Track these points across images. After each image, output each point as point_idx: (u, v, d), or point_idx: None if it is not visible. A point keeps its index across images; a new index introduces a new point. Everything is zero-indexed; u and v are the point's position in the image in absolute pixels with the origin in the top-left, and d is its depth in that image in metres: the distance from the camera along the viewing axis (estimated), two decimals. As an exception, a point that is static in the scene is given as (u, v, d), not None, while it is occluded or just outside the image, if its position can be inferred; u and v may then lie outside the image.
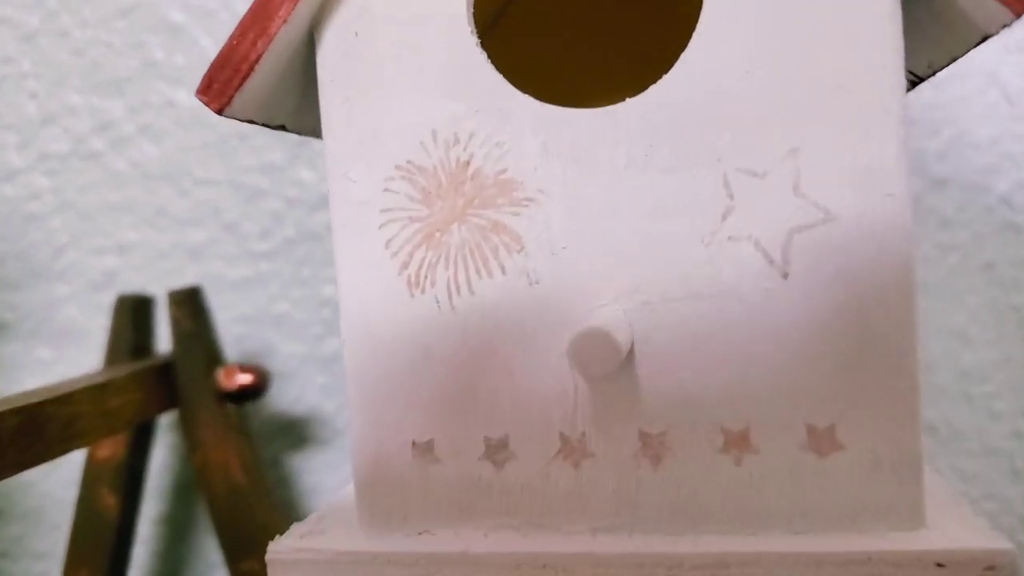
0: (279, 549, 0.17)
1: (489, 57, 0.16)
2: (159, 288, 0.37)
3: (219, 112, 0.17)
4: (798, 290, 0.15)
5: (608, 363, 0.14)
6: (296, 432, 0.37)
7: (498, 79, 0.16)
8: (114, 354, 0.32)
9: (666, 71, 0.16)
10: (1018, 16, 0.14)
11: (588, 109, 0.16)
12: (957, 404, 0.34)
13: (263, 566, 0.27)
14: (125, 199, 0.37)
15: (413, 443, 0.17)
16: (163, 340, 0.33)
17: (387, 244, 0.17)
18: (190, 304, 0.31)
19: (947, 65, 0.18)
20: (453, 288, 0.17)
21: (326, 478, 0.37)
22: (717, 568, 0.15)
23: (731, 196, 0.16)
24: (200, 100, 0.17)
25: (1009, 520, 0.35)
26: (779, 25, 0.15)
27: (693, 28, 0.16)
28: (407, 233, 0.17)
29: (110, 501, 0.32)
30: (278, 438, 0.37)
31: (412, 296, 0.17)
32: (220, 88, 0.17)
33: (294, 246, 0.36)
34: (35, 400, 0.24)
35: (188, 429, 0.31)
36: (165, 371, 0.31)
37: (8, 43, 0.37)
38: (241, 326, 0.36)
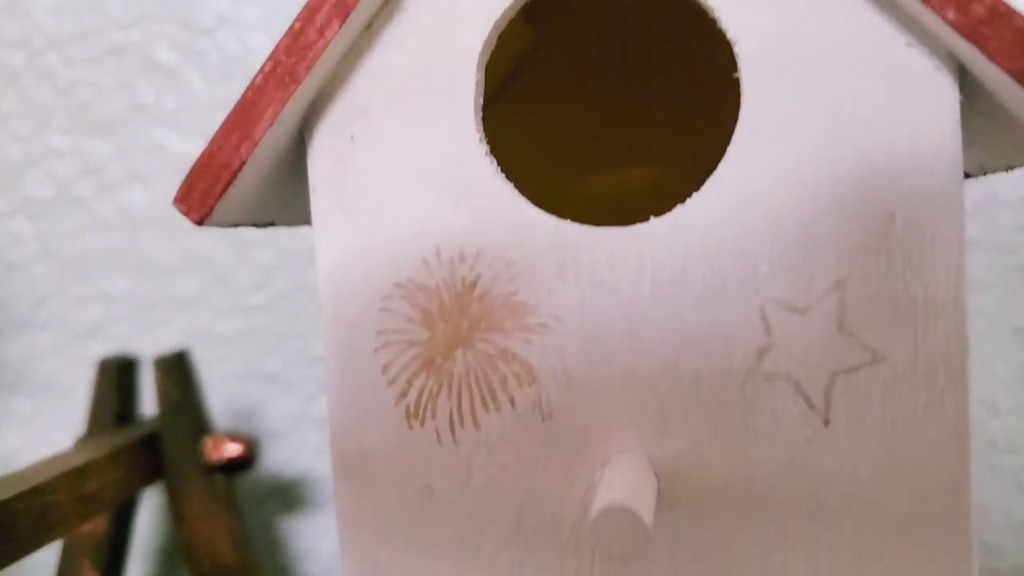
0: None
1: (488, 138, 0.15)
2: (146, 341, 0.35)
3: (199, 223, 0.15)
4: (841, 438, 0.14)
5: (633, 545, 0.12)
6: (288, 495, 0.35)
7: (509, 191, 0.15)
8: (96, 421, 0.30)
9: (678, 144, 0.14)
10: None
11: (609, 228, 0.14)
12: (983, 475, 0.33)
13: None
14: (111, 247, 0.35)
15: (410, 591, 0.15)
16: (147, 402, 0.32)
17: (383, 370, 0.15)
18: (177, 371, 0.30)
19: (1002, 170, 0.16)
20: (456, 421, 0.15)
21: (319, 543, 0.35)
22: None
23: (768, 332, 0.14)
24: (178, 209, 0.15)
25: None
26: (826, 141, 0.14)
27: (708, 99, 0.14)
28: (406, 358, 0.15)
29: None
30: (269, 500, 0.35)
31: (411, 428, 0.15)
32: (200, 198, 0.15)
33: (288, 299, 0.35)
34: (4, 497, 0.22)
35: (174, 503, 0.30)
36: (149, 442, 0.29)
37: None
38: (231, 382, 0.35)
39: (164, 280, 0.35)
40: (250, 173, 0.15)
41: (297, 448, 0.35)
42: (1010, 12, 0.12)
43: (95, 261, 0.35)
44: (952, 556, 0.14)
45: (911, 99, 0.13)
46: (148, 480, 0.29)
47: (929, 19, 0.13)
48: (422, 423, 0.15)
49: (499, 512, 0.15)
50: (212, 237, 0.35)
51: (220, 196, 0.15)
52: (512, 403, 0.15)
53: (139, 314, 0.35)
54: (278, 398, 0.35)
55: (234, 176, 0.15)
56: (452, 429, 0.15)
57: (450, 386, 0.15)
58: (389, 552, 0.15)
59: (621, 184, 0.23)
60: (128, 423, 0.31)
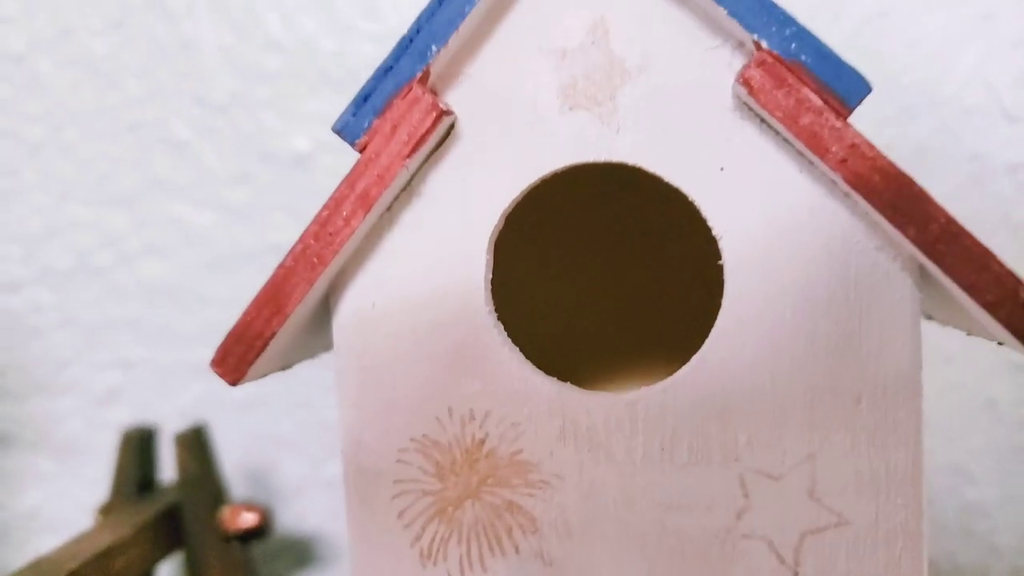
0: None
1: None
2: (163, 405, 0.37)
3: (233, 384, 0.17)
4: None
5: None
6: (299, 552, 0.37)
7: (517, 358, 0.16)
8: (119, 489, 0.32)
9: (683, 356, 0.16)
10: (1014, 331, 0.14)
11: (607, 394, 0.16)
12: (958, 539, 0.35)
13: None
14: (129, 315, 0.37)
15: None
16: (166, 468, 0.33)
17: (400, 515, 0.17)
18: (196, 445, 0.31)
19: (964, 331, 0.18)
20: (466, 564, 0.17)
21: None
22: None
23: (746, 495, 0.16)
24: (215, 372, 0.17)
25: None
26: (802, 329, 0.15)
27: (710, 313, 0.16)
28: (420, 506, 0.17)
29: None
30: (282, 557, 0.37)
31: (424, 568, 0.17)
32: (235, 363, 0.16)
33: (297, 368, 0.36)
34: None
35: (194, 569, 0.31)
36: (170, 513, 0.31)
37: (13, 155, 0.37)
38: (245, 445, 0.36)
39: (180, 347, 0.37)
40: (280, 339, 0.17)
41: (307, 508, 0.36)
42: (961, 232, 0.14)
43: (114, 329, 0.37)
44: None
45: (878, 297, 0.15)
46: (169, 550, 0.31)
47: (894, 232, 0.14)
48: (435, 564, 0.17)
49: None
50: (225, 308, 0.36)
51: (252, 362, 0.16)
52: (516, 550, 0.16)
53: (156, 379, 0.37)
54: (288, 460, 0.37)
55: (266, 345, 0.16)
56: (462, 571, 0.17)
57: (460, 533, 0.17)
58: None
59: (615, 339, 0.24)
60: (148, 490, 0.32)
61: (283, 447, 0.36)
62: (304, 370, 0.36)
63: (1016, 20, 0.33)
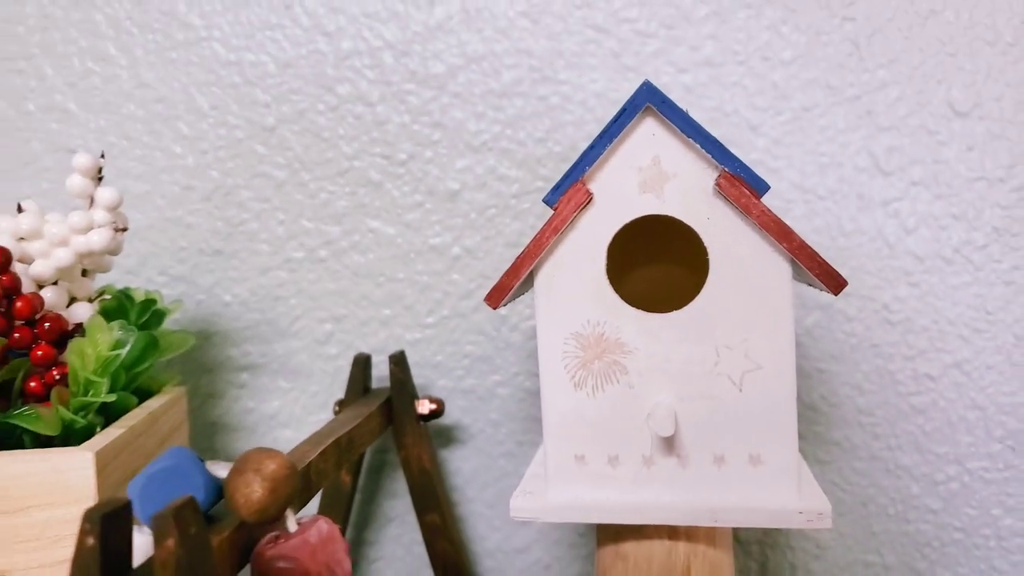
0: (520, 505, 0.36)
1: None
2: (360, 345, 0.56)
3: (495, 308, 0.36)
4: (746, 396, 0.35)
5: (668, 428, 0.33)
6: (447, 435, 0.56)
7: (616, 298, 0.36)
8: (352, 390, 0.51)
9: (690, 297, 0.35)
10: (836, 293, 0.33)
11: (656, 314, 0.35)
12: (854, 429, 0.54)
13: (441, 517, 0.46)
14: (339, 288, 0.56)
15: (575, 456, 0.36)
16: (375, 380, 0.52)
17: (565, 367, 0.36)
18: (400, 362, 0.50)
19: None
20: (596, 388, 0.36)
21: (464, 465, 0.56)
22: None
23: (718, 355, 0.35)
24: (487, 303, 0.36)
25: (883, 499, 0.54)
26: (743, 290, 0.34)
27: (702, 278, 0.35)
28: (574, 363, 0.36)
29: (347, 479, 0.52)
30: (439, 436, 0.56)
31: (575, 391, 0.36)
32: (497, 298, 0.36)
33: (448, 321, 0.55)
34: (314, 456, 0.43)
35: (397, 437, 0.50)
36: (384, 404, 0.50)
37: (266, 188, 0.56)
38: (413, 369, 0.55)
39: (373, 308, 0.56)
40: (515, 288, 0.36)
41: (451, 409, 0.55)
42: (804, 244, 0.33)
43: (329, 296, 0.56)
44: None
45: (779, 272, 0.34)
46: (384, 428, 0.50)
47: (781, 246, 0.33)
48: (579, 388, 0.36)
49: (613, 422, 0.36)
50: (403, 284, 0.55)
51: (502, 299, 0.36)
52: (618, 382, 0.36)
53: (357, 328, 0.56)
54: (440, 378, 0.56)
55: (510, 290, 0.35)
56: (593, 392, 0.36)
57: (593, 374, 0.36)
58: (565, 430, 0.36)
59: (650, 293, 0.43)
60: (367, 392, 0.52)
61: (437, 370, 0.56)
62: (453, 322, 0.55)
63: (882, 116, 0.52)
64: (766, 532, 0.54)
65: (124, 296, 0.44)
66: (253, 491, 0.27)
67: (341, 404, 0.51)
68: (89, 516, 0.24)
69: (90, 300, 0.44)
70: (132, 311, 0.44)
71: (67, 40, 0.56)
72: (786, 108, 0.52)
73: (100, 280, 0.46)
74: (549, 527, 0.56)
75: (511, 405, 0.55)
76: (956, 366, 0.53)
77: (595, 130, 0.53)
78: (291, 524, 0.29)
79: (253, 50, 0.55)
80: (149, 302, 0.45)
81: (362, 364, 0.51)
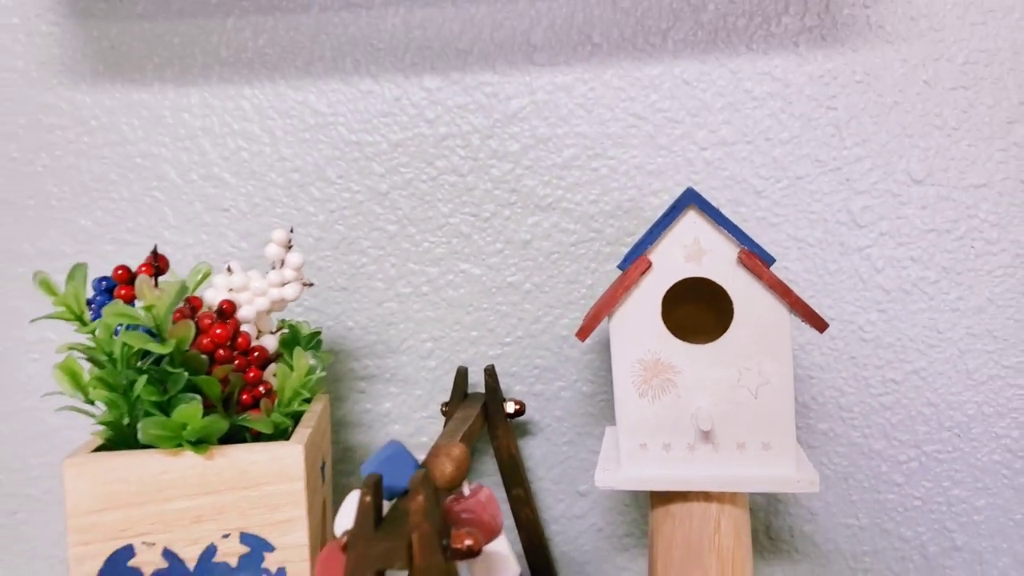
0: (603, 478, 0.50)
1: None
2: (455, 360, 0.70)
3: (583, 340, 0.50)
4: (759, 401, 0.49)
5: (707, 424, 0.47)
6: (522, 428, 0.70)
7: (668, 334, 0.50)
8: (455, 395, 0.65)
9: (719, 332, 0.49)
10: (821, 331, 0.47)
11: (697, 345, 0.49)
12: (836, 422, 0.68)
13: (524, 491, 0.61)
14: (438, 316, 0.70)
15: (640, 445, 0.50)
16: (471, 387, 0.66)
17: (632, 383, 0.50)
18: (492, 373, 0.64)
19: (808, 325, 0.51)
20: (654, 397, 0.50)
21: (536, 451, 0.70)
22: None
23: (740, 374, 0.49)
24: (577, 337, 0.50)
25: (859, 475, 0.68)
26: (758, 326, 0.48)
27: (729, 318, 0.49)
28: (639, 380, 0.50)
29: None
30: (517, 430, 0.70)
31: (640, 398, 0.50)
32: (585, 332, 0.50)
33: (522, 340, 0.69)
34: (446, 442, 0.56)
35: (491, 430, 0.64)
36: (482, 407, 0.64)
37: (381, 239, 0.70)
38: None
39: (463, 331, 0.70)
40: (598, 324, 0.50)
41: (530, 411, 0.69)
42: (790, 291, 0.47)
43: (430, 322, 0.70)
44: (786, 432, 0.49)
45: (779, 314, 0.48)
46: (483, 426, 0.64)
47: (781, 297, 0.47)
48: (643, 398, 0.50)
49: (669, 417, 0.50)
50: (487, 315, 0.69)
51: (587, 335, 0.50)
52: (670, 393, 0.50)
53: (452, 346, 0.70)
54: (516, 385, 0.69)
55: (592, 330, 0.49)
56: (652, 399, 0.50)
57: (652, 388, 0.50)
58: (629, 420, 0.50)
59: (690, 327, 0.58)
60: (466, 396, 0.66)
61: (514, 378, 0.69)
62: (526, 343, 0.69)
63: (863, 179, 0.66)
64: (770, 501, 0.68)
65: (295, 329, 0.58)
66: (446, 468, 0.41)
67: (447, 406, 0.65)
68: (366, 483, 0.38)
69: (272, 333, 0.58)
70: (303, 340, 0.58)
71: (222, 123, 0.70)
72: (784, 177, 0.66)
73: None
74: (603, 498, 0.70)
75: (572, 405, 0.69)
76: (915, 373, 0.67)
77: (635, 194, 0.67)
78: (466, 489, 0.43)
79: (370, 132, 0.69)
80: (314, 334, 0.59)
81: (463, 374, 0.65)
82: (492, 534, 0.41)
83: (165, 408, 0.49)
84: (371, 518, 0.38)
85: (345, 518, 0.41)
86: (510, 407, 0.65)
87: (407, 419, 0.71)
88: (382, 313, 0.70)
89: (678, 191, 0.66)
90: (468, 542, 0.37)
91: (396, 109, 0.69)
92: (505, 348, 0.70)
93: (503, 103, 0.68)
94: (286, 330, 0.58)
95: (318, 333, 0.59)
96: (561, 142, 0.68)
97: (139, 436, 0.48)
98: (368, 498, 0.38)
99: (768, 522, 0.69)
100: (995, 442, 0.67)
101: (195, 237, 0.70)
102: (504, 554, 0.41)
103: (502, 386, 0.69)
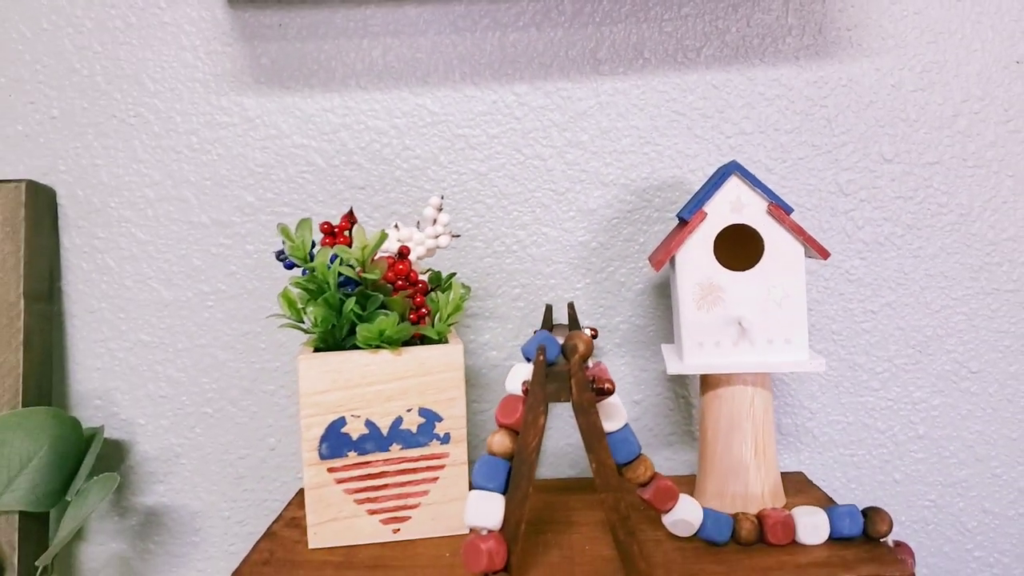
0: (672, 367, 0.69)
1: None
2: (538, 300, 0.88)
3: (657, 271, 0.69)
4: (783, 310, 0.68)
5: (747, 327, 0.66)
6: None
7: (717, 264, 0.68)
8: (544, 325, 0.83)
9: (754, 263, 0.68)
10: (824, 259, 0.66)
11: (738, 272, 0.68)
12: (829, 343, 0.87)
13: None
14: (524, 268, 0.88)
15: (697, 343, 0.69)
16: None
17: (692, 299, 0.69)
18: (572, 307, 0.83)
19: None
20: (707, 308, 0.69)
21: (600, 371, 0.88)
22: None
23: (769, 291, 0.68)
24: (652, 266, 0.69)
25: (846, 383, 0.87)
26: (777, 259, 0.67)
27: (761, 252, 0.68)
28: (697, 296, 0.69)
29: (542, 375, 0.84)
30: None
31: (697, 310, 0.69)
32: (657, 264, 0.68)
33: (589, 286, 0.88)
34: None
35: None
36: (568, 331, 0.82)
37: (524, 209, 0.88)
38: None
39: (543, 279, 0.88)
40: (662, 265, 0.69)
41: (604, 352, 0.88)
42: (812, 238, 0.66)
43: (519, 273, 0.88)
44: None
45: (796, 255, 0.67)
46: (566, 343, 0.82)
47: (797, 234, 0.67)
48: (700, 310, 0.69)
49: (718, 322, 0.69)
50: (562, 264, 0.87)
51: (660, 268, 0.69)
52: (719, 305, 0.69)
53: (535, 291, 0.88)
54: (584, 319, 0.88)
55: (663, 264, 0.68)
56: (707, 310, 0.69)
57: (706, 302, 0.69)
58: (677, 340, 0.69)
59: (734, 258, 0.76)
60: (553, 327, 0.84)
61: (583, 315, 0.88)
62: (586, 292, 0.87)
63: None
64: (780, 405, 0.88)
65: (436, 273, 0.77)
66: (580, 344, 0.60)
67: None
68: (539, 348, 0.56)
69: (422, 273, 0.76)
70: (443, 280, 0.76)
71: (358, 121, 0.87)
72: (788, 158, 0.86)
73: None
74: (652, 405, 0.89)
75: (628, 335, 0.88)
76: (888, 305, 0.86)
77: (677, 173, 0.86)
78: (590, 362, 0.61)
79: (473, 127, 0.87)
80: (450, 275, 0.77)
81: (549, 309, 0.84)
82: (613, 389, 0.60)
83: (365, 321, 0.67)
84: (543, 369, 0.56)
85: (511, 381, 0.60)
86: (587, 332, 0.83)
87: (501, 347, 0.89)
88: (483, 267, 0.88)
89: (710, 170, 0.86)
90: (607, 385, 0.56)
91: (493, 109, 0.87)
92: (576, 292, 0.88)
93: (575, 103, 0.87)
94: (429, 271, 0.76)
95: (453, 275, 0.77)
96: (620, 133, 0.87)
97: (356, 339, 0.66)
98: (541, 356, 0.56)
99: (779, 422, 0.88)
100: (946, 356, 0.87)
101: (338, 210, 0.88)
102: (618, 404, 0.60)
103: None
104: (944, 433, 0.88)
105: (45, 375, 0.82)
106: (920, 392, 0.87)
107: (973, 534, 0.88)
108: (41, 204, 0.83)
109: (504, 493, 0.56)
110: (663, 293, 0.87)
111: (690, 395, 0.88)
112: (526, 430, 0.56)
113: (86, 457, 0.77)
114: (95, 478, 0.75)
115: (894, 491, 0.88)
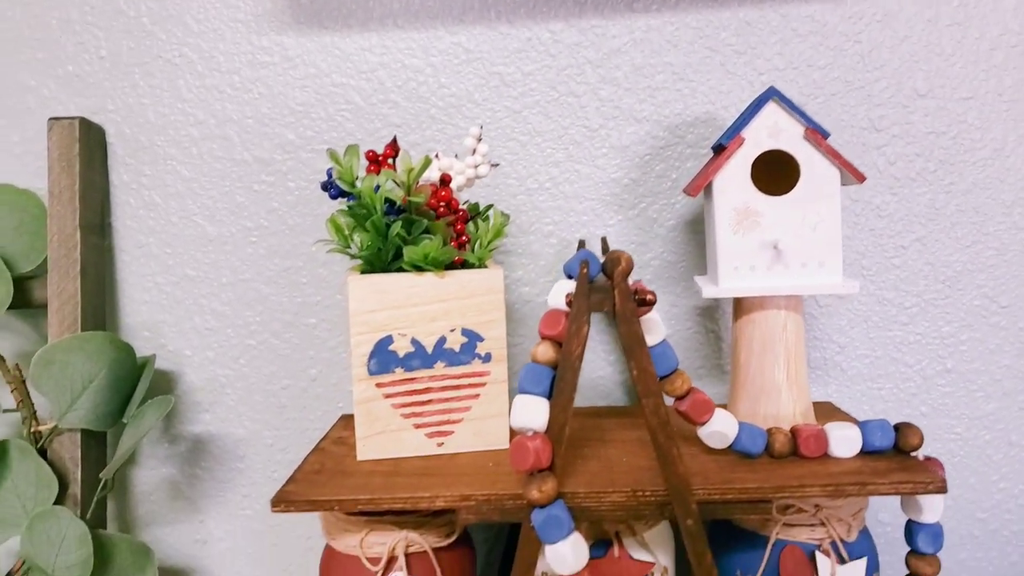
0: (707, 290, 0.70)
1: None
2: (571, 236, 0.89)
3: (693, 196, 0.69)
4: (817, 234, 0.68)
5: (782, 250, 0.67)
6: (623, 289, 0.90)
7: (755, 189, 0.69)
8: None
9: (790, 188, 0.69)
10: (861, 182, 0.67)
11: (775, 196, 0.69)
12: (857, 277, 0.88)
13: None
14: (558, 206, 0.89)
15: (734, 267, 0.70)
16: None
17: (728, 223, 0.69)
18: (605, 241, 0.84)
19: (849, 185, 0.71)
20: (744, 232, 0.69)
21: (632, 305, 0.90)
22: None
23: (804, 216, 0.68)
24: (687, 193, 0.69)
25: (875, 318, 0.88)
26: (812, 184, 0.68)
27: (797, 177, 0.68)
28: (733, 220, 0.69)
29: (576, 307, 0.86)
30: (616, 291, 0.89)
31: (734, 234, 0.70)
32: (694, 190, 0.69)
33: (621, 222, 0.88)
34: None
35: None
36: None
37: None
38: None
39: (576, 216, 0.89)
40: (699, 191, 0.69)
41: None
42: (849, 162, 0.67)
43: (552, 211, 0.89)
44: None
45: (832, 179, 0.68)
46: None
47: (833, 158, 0.67)
48: (736, 234, 0.70)
49: (754, 245, 0.69)
50: (594, 201, 0.88)
51: (696, 193, 0.69)
52: (755, 229, 0.69)
53: (567, 228, 0.89)
54: (617, 256, 0.89)
55: (700, 189, 0.69)
56: (743, 234, 0.69)
57: (743, 226, 0.69)
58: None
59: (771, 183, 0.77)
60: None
61: (616, 248, 0.89)
62: (619, 228, 0.88)
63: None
64: (810, 340, 0.88)
65: (474, 205, 0.78)
66: (622, 260, 0.61)
67: (571, 267, 0.85)
68: (583, 262, 0.57)
69: (462, 204, 0.77)
70: (481, 211, 0.77)
71: (395, 60, 0.88)
72: (820, 94, 0.85)
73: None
74: (683, 339, 0.90)
75: (659, 271, 0.89)
76: (918, 240, 0.86)
77: (710, 108, 0.86)
78: (630, 280, 0.62)
79: (507, 65, 0.87)
80: (488, 207, 0.78)
81: (582, 245, 0.85)
82: (655, 299, 0.61)
83: (409, 244, 0.69)
84: (586, 280, 0.57)
85: (554, 296, 0.61)
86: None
87: (534, 283, 0.90)
88: (516, 203, 0.89)
89: (742, 107, 0.86)
90: (649, 296, 0.57)
91: (528, 47, 0.87)
92: (608, 228, 0.89)
93: (609, 40, 0.87)
94: (468, 201, 0.77)
95: (491, 206, 0.78)
96: (653, 69, 0.87)
97: (403, 262, 0.67)
98: (584, 269, 0.57)
99: (808, 355, 0.89)
100: (976, 290, 0.87)
101: (376, 146, 0.89)
102: (657, 319, 0.61)
103: (608, 256, 0.89)
104: (972, 367, 0.88)
105: (100, 305, 0.84)
106: (949, 327, 0.88)
107: (999, 466, 0.89)
108: (93, 141, 0.85)
109: (548, 399, 0.57)
110: (694, 229, 0.88)
111: (719, 329, 0.89)
112: (570, 339, 0.57)
113: (140, 382, 0.80)
114: (150, 401, 0.77)
115: (921, 423, 0.89)
